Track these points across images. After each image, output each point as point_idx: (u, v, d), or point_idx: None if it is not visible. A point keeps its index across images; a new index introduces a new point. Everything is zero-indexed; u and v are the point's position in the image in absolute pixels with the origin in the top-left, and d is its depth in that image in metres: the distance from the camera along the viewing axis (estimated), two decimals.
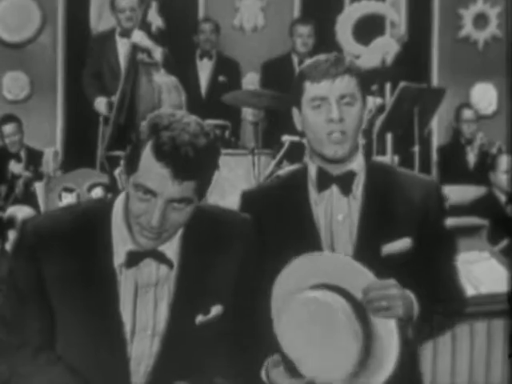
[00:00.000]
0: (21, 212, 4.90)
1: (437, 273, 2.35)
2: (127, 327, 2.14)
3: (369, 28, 7.58)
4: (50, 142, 7.58)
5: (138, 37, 6.31)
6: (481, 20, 8.13)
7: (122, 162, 2.16)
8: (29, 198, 6.16)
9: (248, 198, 2.51)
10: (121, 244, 2.12)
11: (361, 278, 2.10)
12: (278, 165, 5.82)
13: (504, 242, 4.97)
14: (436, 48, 8.12)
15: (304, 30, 7.22)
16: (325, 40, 7.34)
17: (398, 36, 7.74)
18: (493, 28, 8.12)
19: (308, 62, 2.44)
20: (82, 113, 7.16)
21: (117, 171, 5.28)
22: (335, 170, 2.40)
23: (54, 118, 7.86)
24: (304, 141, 5.76)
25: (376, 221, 2.34)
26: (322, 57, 2.41)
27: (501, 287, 4.15)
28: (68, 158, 7.33)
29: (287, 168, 5.52)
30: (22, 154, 7.01)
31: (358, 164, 2.42)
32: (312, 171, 2.44)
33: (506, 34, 7.69)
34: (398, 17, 7.82)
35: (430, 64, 8.11)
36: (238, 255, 2.21)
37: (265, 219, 2.37)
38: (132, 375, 2.16)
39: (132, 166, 2.01)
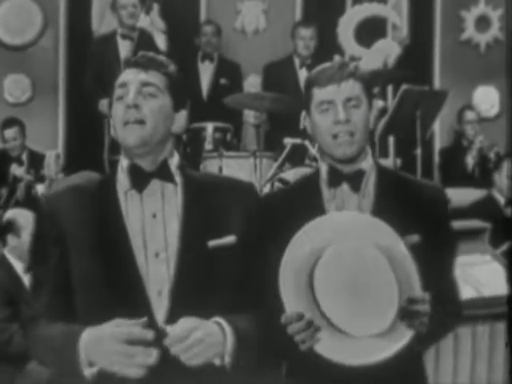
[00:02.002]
0: (21, 216, 4.86)
1: (437, 276, 2.36)
2: (139, 254, 2.26)
3: (370, 30, 7.58)
4: (52, 144, 7.59)
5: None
6: (483, 22, 8.13)
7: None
8: (30, 201, 6.16)
9: (267, 202, 2.58)
10: (123, 173, 2.34)
11: (373, 229, 2.26)
12: (280, 167, 5.81)
13: (506, 245, 4.96)
14: (438, 50, 8.11)
15: (306, 32, 7.22)
16: (326, 42, 7.34)
17: (400, 38, 7.74)
18: (495, 30, 8.12)
19: (315, 69, 2.56)
20: (84, 115, 7.17)
21: None
22: (345, 169, 2.50)
23: (55, 121, 7.87)
24: (306, 143, 5.76)
25: (386, 218, 2.38)
26: (327, 64, 2.55)
27: (502, 290, 4.15)
28: (70, 160, 7.33)
29: (291, 171, 5.53)
30: (24, 157, 7.02)
31: (367, 164, 2.53)
32: (323, 170, 2.54)
33: (507, 36, 7.68)
34: (399, 19, 7.82)
35: (432, 66, 8.11)
36: (248, 206, 2.37)
37: (282, 221, 2.44)
38: (153, 305, 2.24)
39: (111, 98, 2.34)
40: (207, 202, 2.33)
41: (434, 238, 2.44)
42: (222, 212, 2.32)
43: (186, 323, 2.13)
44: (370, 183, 2.52)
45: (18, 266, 4.76)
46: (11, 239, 4.82)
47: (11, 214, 5.00)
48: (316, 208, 2.47)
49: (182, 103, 2.38)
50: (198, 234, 2.28)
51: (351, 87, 2.48)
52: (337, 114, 2.45)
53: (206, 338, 2.12)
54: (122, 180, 2.33)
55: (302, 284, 2.24)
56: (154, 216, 2.29)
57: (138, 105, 2.26)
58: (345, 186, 2.50)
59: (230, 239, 2.30)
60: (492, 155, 7.07)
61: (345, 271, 2.22)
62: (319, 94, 2.49)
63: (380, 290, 2.21)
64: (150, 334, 2.10)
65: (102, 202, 2.32)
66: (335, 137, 2.45)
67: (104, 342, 2.11)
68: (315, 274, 2.22)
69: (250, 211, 2.37)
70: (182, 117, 2.37)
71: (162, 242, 2.27)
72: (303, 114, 2.58)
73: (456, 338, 4.21)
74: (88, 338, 2.14)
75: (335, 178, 2.51)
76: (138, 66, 2.32)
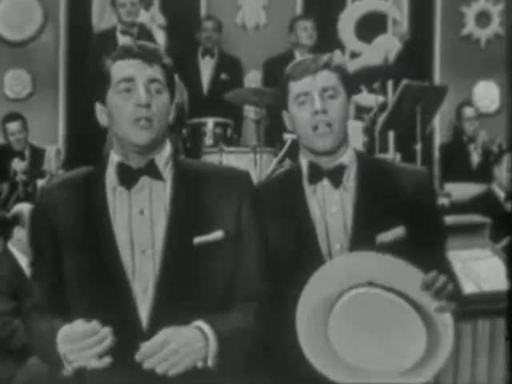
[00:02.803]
0: (27, 210, 4.89)
1: (430, 264, 2.31)
2: (125, 250, 2.25)
3: (371, 26, 7.58)
4: (52, 139, 7.59)
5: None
6: (483, 18, 8.13)
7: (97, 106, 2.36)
8: (30, 197, 6.16)
9: None
10: (112, 169, 2.32)
11: (403, 273, 2.18)
12: (280, 163, 5.81)
13: (506, 240, 4.97)
14: (438, 46, 8.11)
15: (307, 23, 7.21)
16: (327, 38, 7.34)
17: (401, 34, 7.73)
18: (495, 26, 8.11)
19: (289, 64, 2.58)
20: (84, 110, 7.15)
21: None
22: (326, 164, 2.51)
23: (55, 116, 7.87)
24: None
25: (369, 211, 2.43)
26: (301, 58, 2.61)
27: (503, 285, 4.15)
28: (70, 155, 7.33)
29: (282, 168, 5.54)
30: (27, 152, 7.01)
31: (347, 157, 2.53)
32: (304, 166, 2.55)
33: (508, 31, 7.67)
34: (400, 15, 7.82)
35: (432, 62, 8.10)
36: (238, 199, 2.34)
37: (265, 216, 2.41)
38: (139, 301, 2.23)
39: (105, 83, 2.29)
40: (196, 197, 2.30)
41: (420, 228, 2.44)
42: (212, 206, 2.29)
43: (158, 337, 2.11)
44: (351, 177, 2.52)
45: (22, 260, 4.78)
46: (17, 231, 4.85)
47: (18, 207, 5.04)
48: (299, 204, 2.50)
49: (174, 95, 2.37)
50: (185, 230, 2.26)
51: (326, 78, 2.48)
52: (313, 105, 2.45)
53: (180, 348, 2.11)
54: (111, 176, 2.32)
55: (317, 330, 2.24)
56: (142, 213, 2.27)
57: (149, 104, 2.24)
58: (325, 182, 2.50)
59: (217, 235, 2.27)
60: (495, 148, 7.07)
61: (359, 321, 2.18)
62: (295, 87, 2.50)
63: (402, 330, 2.16)
64: (96, 327, 2.10)
65: (89, 197, 2.31)
66: (315, 128, 2.46)
67: (61, 345, 2.13)
68: (329, 323, 2.21)
69: (242, 202, 2.33)
70: (173, 108, 2.37)
71: (148, 239, 2.26)
72: (283, 112, 2.59)
73: (456, 334, 4.21)
74: (62, 338, 2.14)
75: (316, 174, 2.51)
76: (141, 58, 2.28)
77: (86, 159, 6.43)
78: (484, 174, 6.93)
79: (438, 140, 8.04)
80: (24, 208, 4.95)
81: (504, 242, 4.94)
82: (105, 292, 2.24)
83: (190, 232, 2.26)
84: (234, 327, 2.21)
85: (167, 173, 2.32)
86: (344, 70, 2.56)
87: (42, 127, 7.54)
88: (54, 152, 6.48)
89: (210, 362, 2.15)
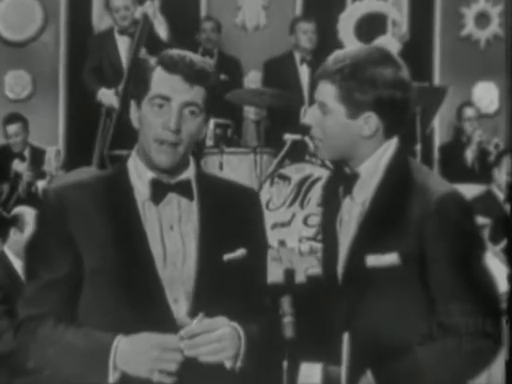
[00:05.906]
0: (28, 213, 4.84)
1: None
2: (159, 261, 2.25)
3: (371, 27, 7.58)
4: (53, 140, 7.59)
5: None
6: (482, 19, 8.13)
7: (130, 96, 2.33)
8: (31, 197, 6.17)
9: None
10: (141, 182, 2.29)
11: None
12: (280, 163, 5.82)
13: (505, 242, 4.98)
14: (438, 47, 8.12)
15: (308, 26, 7.23)
16: (327, 38, 7.35)
17: (400, 35, 7.73)
18: (494, 27, 8.12)
19: None
20: (85, 111, 7.18)
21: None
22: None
23: (56, 117, 7.87)
24: (305, 139, 5.77)
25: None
26: None
27: (503, 287, 4.15)
28: (70, 156, 7.34)
29: (291, 167, 5.53)
30: (27, 152, 7.01)
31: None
32: None
33: (507, 32, 7.68)
34: (399, 16, 7.82)
35: (432, 63, 8.10)
36: (251, 216, 2.38)
37: None
38: (173, 310, 2.24)
39: (144, 88, 2.24)
40: (221, 213, 2.32)
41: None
42: (234, 223, 2.32)
43: (205, 321, 2.14)
44: None
45: (16, 263, 4.73)
46: (14, 233, 4.80)
47: (19, 209, 5.01)
48: None
49: (211, 114, 2.32)
50: (215, 247, 2.28)
51: None
52: None
53: (223, 338, 2.14)
54: (140, 188, 2.29)
55: None
56: (172, 228, 2.28)
57: (179, 130, 2.21)
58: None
59: (241, 251, 2.31)
60: (492, 148, 7.08)
61: None
62: None
63: None
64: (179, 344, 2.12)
65: (117, 206, 2.28)
66: None
67: (130, 353, 2.14)
68: None
69: (257, 220, 2.39)
70: (206, 125, 2.35)
71: (180, 254, 2.27)
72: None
73: None
74: (125, 348, 2.15)
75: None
76: (183, 76, 2.21)
77: (86, 160, 6.46)
78: (481, 174, 6.94)
79: (437, 141, 8.05)
80: (25, 211, 4.91)
81: (503, 244, 4.96)
82: (139, 301, 2.23)
83: (220, 249, 2.28)
84: (255, 334, 2.24)
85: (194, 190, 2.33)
86: None
87: (42, 128, 7.55)
88: (53, 153, 6.50)
89: (238, 364, 2.18)
